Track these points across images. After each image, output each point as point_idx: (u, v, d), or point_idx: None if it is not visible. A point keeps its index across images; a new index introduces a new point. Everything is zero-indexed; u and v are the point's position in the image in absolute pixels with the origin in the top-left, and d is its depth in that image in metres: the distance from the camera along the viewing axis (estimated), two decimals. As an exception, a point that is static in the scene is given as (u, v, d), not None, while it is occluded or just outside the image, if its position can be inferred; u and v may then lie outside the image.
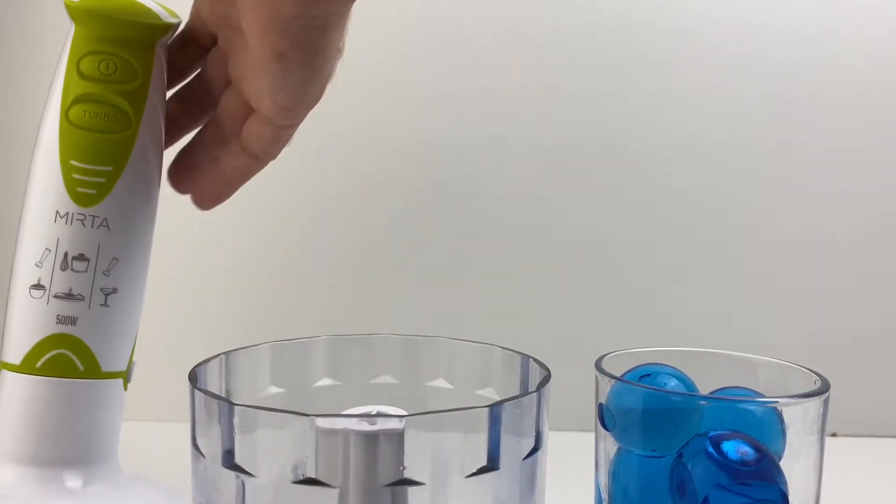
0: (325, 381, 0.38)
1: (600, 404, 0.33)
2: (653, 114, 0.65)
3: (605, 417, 0.33)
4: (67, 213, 0.41)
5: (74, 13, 0.41)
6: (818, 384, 0.32)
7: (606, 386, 0.33)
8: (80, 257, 0.41)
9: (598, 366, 0.34)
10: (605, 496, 0.34)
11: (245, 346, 0.36)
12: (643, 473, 0.32)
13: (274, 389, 0.37)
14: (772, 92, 0.65)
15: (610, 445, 0.33)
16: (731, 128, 0.65)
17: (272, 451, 0.29)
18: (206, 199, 0.44)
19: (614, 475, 0.33)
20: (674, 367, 0.35)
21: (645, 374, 0.35)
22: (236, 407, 0.29)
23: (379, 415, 0.30)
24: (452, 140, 0.65)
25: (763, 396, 0.34)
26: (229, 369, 0.35)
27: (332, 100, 0.66)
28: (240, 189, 0.67)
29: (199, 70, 0.43)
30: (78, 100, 0.41)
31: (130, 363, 0.44)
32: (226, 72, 0.41)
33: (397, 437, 0.28)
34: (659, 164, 0.65)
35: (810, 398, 0.31)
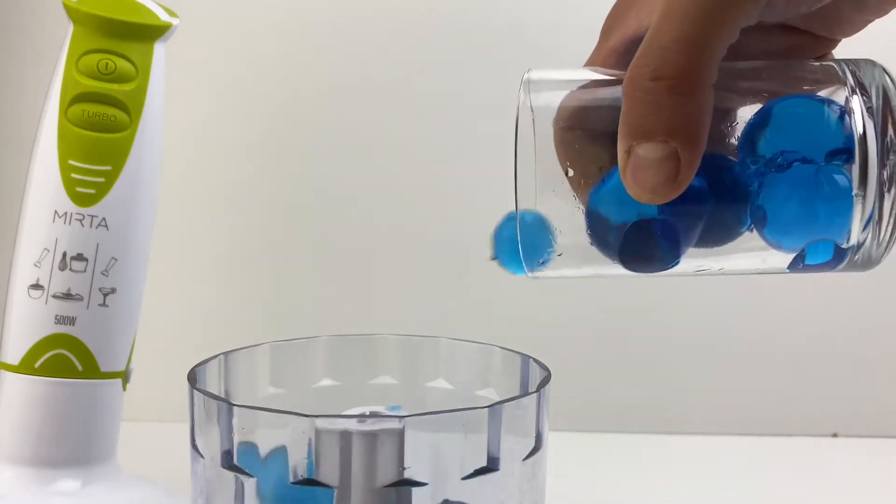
0: (325, 382, 0.38)
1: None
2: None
3: None
4: (66, 212, 0.41)
5: (73, 13, 0.41)
6: None
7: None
8: (79, 257, 0.41)
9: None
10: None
11: (245, 346, 0.36)
12: None
13: (273, 390, 0.36)
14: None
15: None
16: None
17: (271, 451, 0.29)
18: None
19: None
20: None
21: None
22: (235, 407, 0.29)
23: (379, 415, 0.30)
24: (451, 139, 0.65)
25: None
26: (228, 370, 0.35)
27: (333, 99, 0.66)
28: (239, 189, 0.66)
29: None
30: (77, 99, 0.41)
31: (129, 363, 0.44)
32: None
33: (397, 437, 0.28)
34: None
35: None
